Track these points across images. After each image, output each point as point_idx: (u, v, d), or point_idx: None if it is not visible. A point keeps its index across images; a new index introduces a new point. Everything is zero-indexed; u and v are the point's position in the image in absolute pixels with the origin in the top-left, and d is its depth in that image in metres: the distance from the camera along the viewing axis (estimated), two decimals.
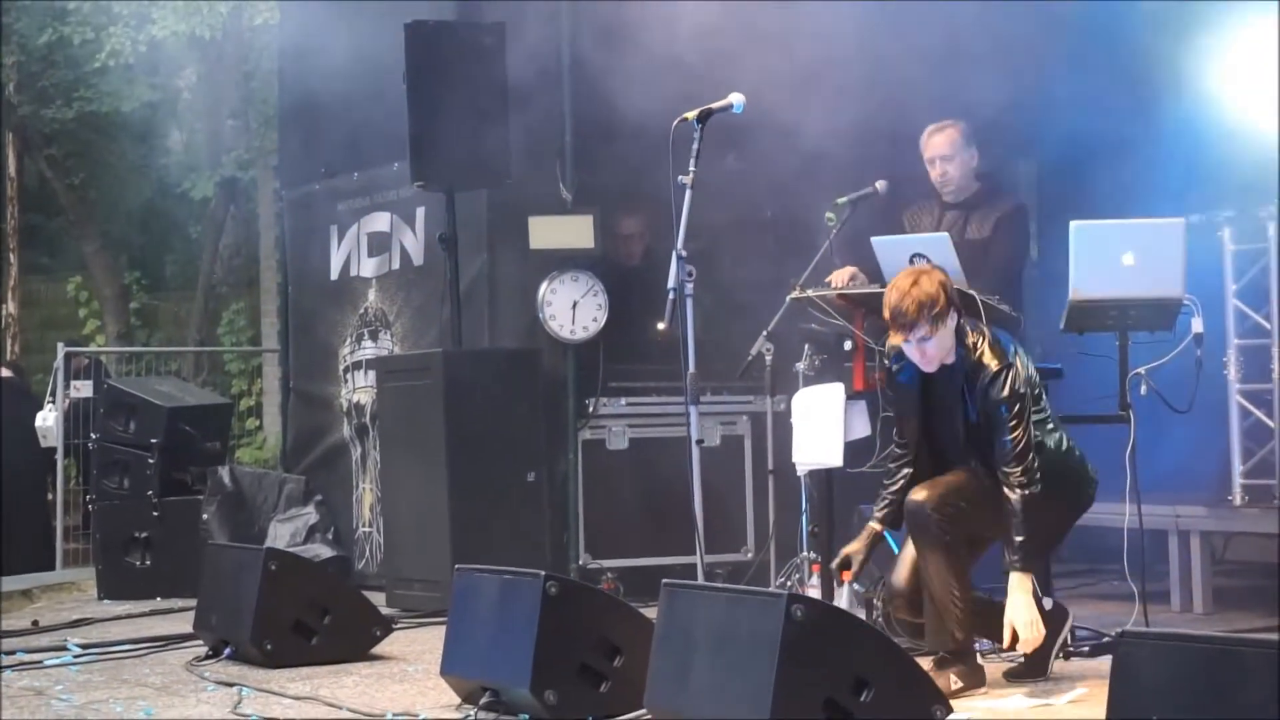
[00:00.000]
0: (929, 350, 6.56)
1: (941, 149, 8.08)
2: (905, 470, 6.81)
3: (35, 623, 9.31)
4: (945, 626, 6.54)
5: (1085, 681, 6.58)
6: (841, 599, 7.35)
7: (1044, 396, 6.72)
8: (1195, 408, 7.49)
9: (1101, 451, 7.08)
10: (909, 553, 6.69)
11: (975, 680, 6.58)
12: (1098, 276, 7.31)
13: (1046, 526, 6.60)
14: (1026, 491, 6.44)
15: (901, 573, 6.71)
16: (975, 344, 6.57)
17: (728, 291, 9.43)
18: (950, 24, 9.13)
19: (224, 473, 10.98)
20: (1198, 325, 7.30)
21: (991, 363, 6.51)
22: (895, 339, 6.65)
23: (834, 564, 6.89)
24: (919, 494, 6.60)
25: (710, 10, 8.70)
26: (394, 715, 6.22)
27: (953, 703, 5.60)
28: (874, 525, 6.85)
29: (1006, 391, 6.47)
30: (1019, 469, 6.44)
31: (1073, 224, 7.40)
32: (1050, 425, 6.68)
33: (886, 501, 6.84)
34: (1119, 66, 9.74)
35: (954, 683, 6.44)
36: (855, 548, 6.80)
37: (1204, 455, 9.08)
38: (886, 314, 6.58)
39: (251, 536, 10.55)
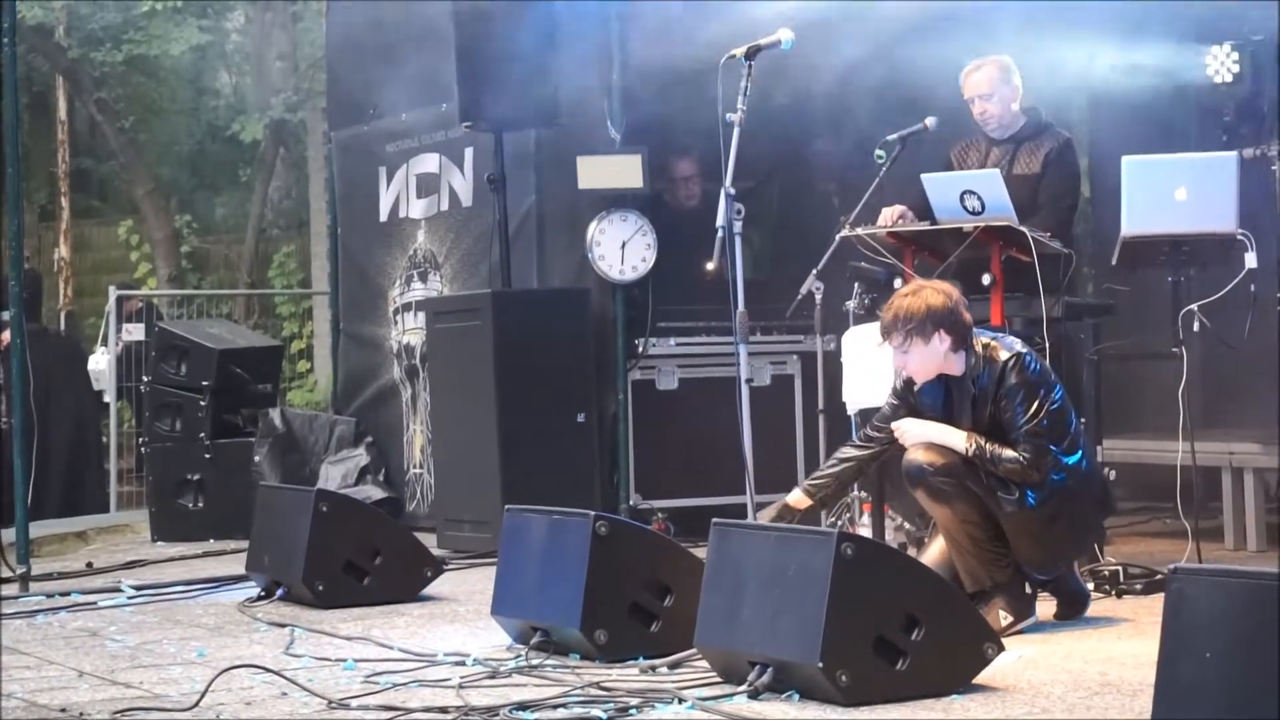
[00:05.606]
0: (908, 362, 6.54)
1: (980, 87, 7.97)
2: (863, 453, 6.80)
3: (90, 564, 9.37)
4: (976, 571, 6.47)
5: (1135, 618, 6.55)
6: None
7: (1070, 417, 6.56)
8: (1248, 344, 7.45)
9: (1154, 389, 7.03)
10: (936, 546, 6.65)
11: (1024, 611, 6.49)
12: (1150, 212, 7.26)
13: (1059, 538, 6.51)
14: (1027, 466, 6.35)
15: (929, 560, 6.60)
16: (985, 345, 6.51)
17: (777, 229, 9.39)
18: None
19: (275, 415, 11.00)
20: (1251, 260, 7.25)
21: (999, 356, 6.45)
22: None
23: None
24: (915, 455, 6.49)
25: None
26: (445, 655, 6.23)
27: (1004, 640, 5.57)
28: (802, 500, 6.76)
29: (1016, 378, 6.41)
30: (1030, 447, 6.37)
31: (1125, 159, 7.35)
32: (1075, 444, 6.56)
33: (825, 479, 6.82)
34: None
35: (1003, 618, 6.37)
36: (769, 515, 6.74)
37: (1257, 392, 9.02)
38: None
39: (303, 478, 10.58)
